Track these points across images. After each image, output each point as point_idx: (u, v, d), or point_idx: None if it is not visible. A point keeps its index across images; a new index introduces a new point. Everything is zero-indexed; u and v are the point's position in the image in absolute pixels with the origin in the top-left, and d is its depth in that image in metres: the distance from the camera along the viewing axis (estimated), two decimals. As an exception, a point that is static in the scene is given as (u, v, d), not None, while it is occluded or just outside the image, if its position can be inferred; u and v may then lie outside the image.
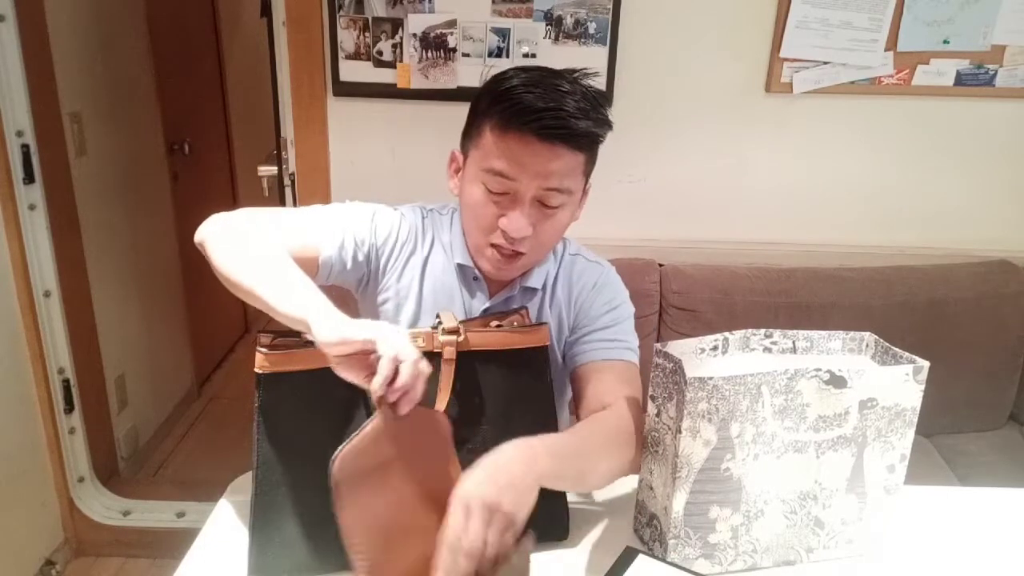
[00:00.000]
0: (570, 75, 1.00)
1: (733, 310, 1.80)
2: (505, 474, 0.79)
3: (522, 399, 0.97)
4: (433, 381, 0.91)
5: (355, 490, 0.75)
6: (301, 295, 0.85)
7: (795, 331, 1.00)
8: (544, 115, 0.94)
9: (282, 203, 1.96)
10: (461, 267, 1.10)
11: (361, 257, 1.08)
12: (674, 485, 0.90)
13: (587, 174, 1.06)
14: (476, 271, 1.10)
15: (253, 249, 0.94)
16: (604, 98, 1.02)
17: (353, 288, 1.14)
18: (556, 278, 1.14)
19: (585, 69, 1.02)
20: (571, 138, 0.97)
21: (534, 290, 1.12)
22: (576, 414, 1.08)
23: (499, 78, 1.01)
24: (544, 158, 0.97)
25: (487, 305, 1.11)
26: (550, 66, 1.02)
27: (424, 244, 1.12)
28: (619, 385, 1.05)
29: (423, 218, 1.14)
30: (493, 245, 1.03)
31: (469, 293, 1.12)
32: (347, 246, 1.06)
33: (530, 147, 0.96)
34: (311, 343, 0.88)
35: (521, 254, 1.03)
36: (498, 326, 0.97)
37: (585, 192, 1.08)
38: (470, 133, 1.04)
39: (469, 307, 1.12)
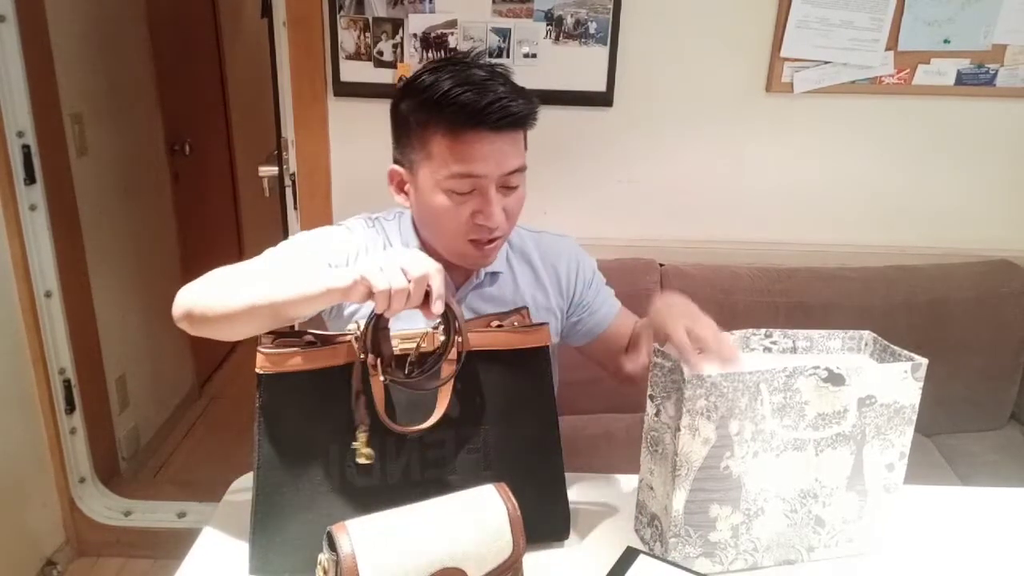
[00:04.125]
0: (473, 61, 1.03)
1: (733, 310, 1.80)
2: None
3: (523, 399, 0.97)
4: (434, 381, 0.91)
5: None
6: (310, 277, 0.88)
7: (795, 331, 1.00)
8: (490, 110, 0.98)
9: (283, 203, 1.96)
10: None
11: None
12: (674, 484, 0.90)
13: (526, 145, 1.10)
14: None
15: (242, 279, 0.97)
16: (511, 72, 1.05)
17: (326, 313, 1.15)
18: (512, 256, 1.20)
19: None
20: (518, 123, 1.02)
21: (497, 273, 1.17)
22: (618, 362, 1.08)
23: (421, 87, 1.02)
24: (500, 147, 1.01)
25: (457, 297, 1.14)
26: (470, 60, 1.04)
27: (378, 251, 1.14)
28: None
29: (370, 227, 1.16)
30: (472, 241, 1.06)
31: None
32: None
33: (487, 141, 0.99)
34: (313, 343, 0.89)
35: (499, 238, 1.07)
36: (499, 326, 0.97)
37: None
38: (411, 145, 1.05)
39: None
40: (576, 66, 1.81)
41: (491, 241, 1.06)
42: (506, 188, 1.04)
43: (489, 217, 1.02)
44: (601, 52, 1.80)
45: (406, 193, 1.10)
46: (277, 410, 0.88)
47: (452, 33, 1.78)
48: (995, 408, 1.93)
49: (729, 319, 1.77)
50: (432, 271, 0.83)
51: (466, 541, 0.77)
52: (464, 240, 1.06)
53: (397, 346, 0.91)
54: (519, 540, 0.80)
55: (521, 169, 1.05)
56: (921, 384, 0.94)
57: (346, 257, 1.11)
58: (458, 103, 0.98)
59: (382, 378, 0.88)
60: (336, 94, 1.83)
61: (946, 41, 1.80)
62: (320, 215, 1.89)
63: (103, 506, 2.16)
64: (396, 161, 1.10)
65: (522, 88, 1.04)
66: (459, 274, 1.15)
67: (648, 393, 0.95)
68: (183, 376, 2.93)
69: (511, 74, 1.05)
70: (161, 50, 2.58)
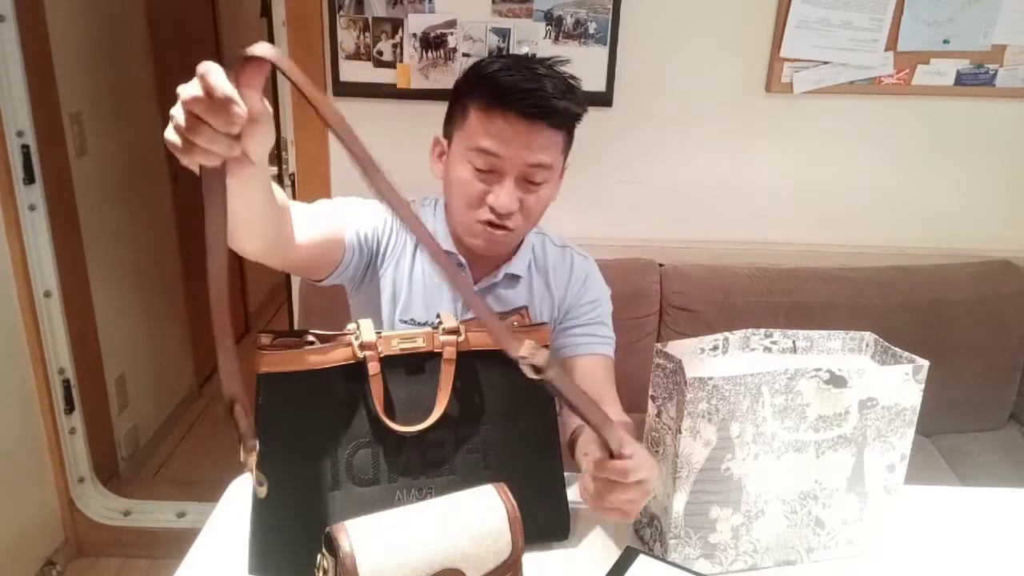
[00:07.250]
0: (544, 62, 1.05)
1: (733, 310, 1.80)
2: None
3: (522, 399, 0.97)
4: (433, 381, 0.92)
5: None
6: None
7: (795, 331, 1.00)
8: (527, 96, 1.00)
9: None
10: (446, 254, 1.14)
11: (372, 239, 1.13)
12: (674, 485, 0.90)
13: (565, 152, 1.11)
14: (460, 258, 1.15)
15: None
16: (579, 82, 1.08)
17: (351, 280, 1.16)
18: (535, 266, 1.20)
19: (558, 57, 1.08)
20: (551, 116, 1.02)
21: (517, 277, 1.17)
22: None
23: (479, 64, 1.06)
24: (527, 136, 1.02)
25: (476, 289, 1.15)
26: (538, 60, 1.07)
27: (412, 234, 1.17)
28: (604, 383, 1.14)
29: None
30: (481, 222, 1.07)
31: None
32: (362, 229, 1.12)
33: (514, 126, 1.01)
34: (312, 343, 0.89)
35: (509, 229, 1.07)
36: (498, 326, 0.97)
37: (562, 172, 1.13)
38: (454, 117, 1.08)
39: (456, 293, 1.15)
40: (576, 66, 1.79)
41: (500, 228, 1.06)
42: (528, 182, 1.05)
43: (497, 200, 1.04)
44: (601, 52, 1.80)
45: (443, 164, 1.13)
46: (277, 410, 0.88)
47: (452, 33, 1.78)
48: (995, 408, 1.93)
49: (729, 319, 1.80)
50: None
51: (465, 541, 0.77)
52: (474, 218, 1.07)
53: (397, 345, 0.91)
54: (518, 540, 0.79)
55: (547, 167, 1.05)
56: (922, 386, 0.94)
57: (384, 219, 1.15)
58: (499, 81, 1.01)
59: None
60: (336, 94, 1.83)
61: (946, 41, 1.80)
62: (320, 215, 1.89)
63: (102, 506, 2.16)
64: (444, 133, 1.13)
65: (576, 92, 1.05)
66: (481, 269, 1.17)
67: (650, 394, 0.95)
68: (182, 376, 2.92)
69: (576, 82, 1.07)
70: (161, 50, 2.58)
